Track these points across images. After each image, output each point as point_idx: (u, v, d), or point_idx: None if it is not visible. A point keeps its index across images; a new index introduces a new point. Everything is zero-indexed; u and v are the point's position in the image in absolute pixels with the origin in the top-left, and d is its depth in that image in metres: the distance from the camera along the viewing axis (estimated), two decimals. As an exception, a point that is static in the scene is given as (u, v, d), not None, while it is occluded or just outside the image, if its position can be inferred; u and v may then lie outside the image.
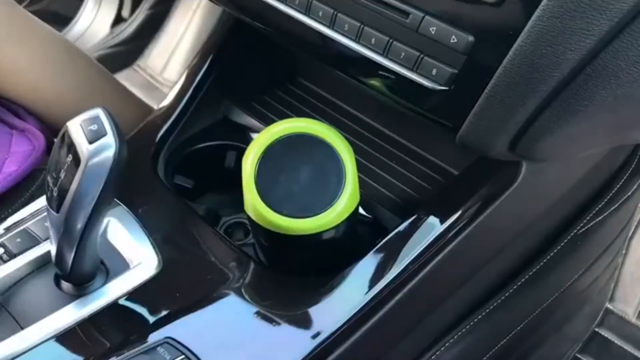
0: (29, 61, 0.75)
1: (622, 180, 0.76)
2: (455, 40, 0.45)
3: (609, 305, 0.97)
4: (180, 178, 0.69)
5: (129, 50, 1.41)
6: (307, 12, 0.55)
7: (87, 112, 0.47)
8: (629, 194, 0.78)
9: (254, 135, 0.72)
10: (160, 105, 0.71)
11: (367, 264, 0.54)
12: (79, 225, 0.46)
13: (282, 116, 0.73)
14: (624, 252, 0.97)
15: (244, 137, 0.73)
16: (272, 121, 0.72)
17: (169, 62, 1.41)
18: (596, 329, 0.95)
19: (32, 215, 0.60)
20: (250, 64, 0.78)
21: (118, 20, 1.43)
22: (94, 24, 1.43)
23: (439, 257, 0.55)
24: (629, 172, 0.76)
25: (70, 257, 0.49)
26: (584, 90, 0.42)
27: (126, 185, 0.51)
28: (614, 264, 0.91)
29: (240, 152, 0.71)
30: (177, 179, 0.69)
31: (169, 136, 0.68)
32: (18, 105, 0.77)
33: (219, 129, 0.73)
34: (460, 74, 0.46)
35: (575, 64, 0.40)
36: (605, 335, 0.94)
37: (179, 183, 0.69)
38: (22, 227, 0.58)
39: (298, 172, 0.51)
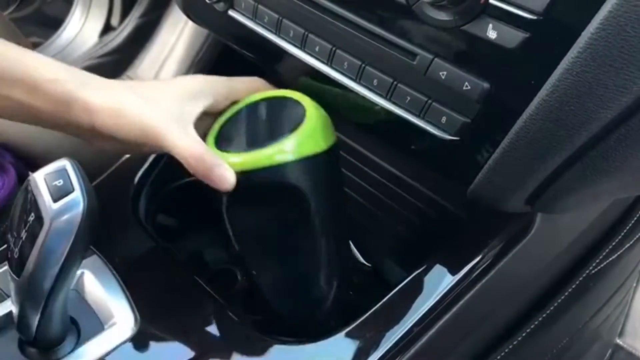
0: None
1: (638, 215, 0.71)
2: (469, 87, 0.40)
3: (618, 341, 0.92)
4: (163, 218, 0.64)
5: (118, 60, 1.35)
6: (302, 46, 0.49)
7: (53, 164, 0.41)
8: (646, 227, 0.74)
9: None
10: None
11: (369, 322, 0.49)
12: (45, 288, 0.41)
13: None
14: (634, 285, 0.92)
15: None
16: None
17: (160, 72, 1.35)
18: (605, 366, 0.90)
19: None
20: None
21: (107, 28, 1.38)
22: (82, 33, 1.38)
23: (449, 314, 0.50)
24: (646, 205, 0.71)
25: (34, 322, 0.43)
26: (615, 151, 0.37)
27: (103, 229, 0.46)
28: (626, 299, 0.86)
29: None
30: (160, 218, 0.63)
31: (152, 171, 0.63)
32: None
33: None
34: (473, 124, 0.41)
35: (608, 122, 0.35)
36: (615, 373, 0.90)
37: (162, 223, 0.63)
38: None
39: (257, 123, 0.51)
